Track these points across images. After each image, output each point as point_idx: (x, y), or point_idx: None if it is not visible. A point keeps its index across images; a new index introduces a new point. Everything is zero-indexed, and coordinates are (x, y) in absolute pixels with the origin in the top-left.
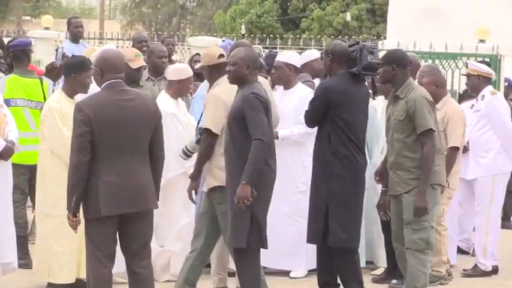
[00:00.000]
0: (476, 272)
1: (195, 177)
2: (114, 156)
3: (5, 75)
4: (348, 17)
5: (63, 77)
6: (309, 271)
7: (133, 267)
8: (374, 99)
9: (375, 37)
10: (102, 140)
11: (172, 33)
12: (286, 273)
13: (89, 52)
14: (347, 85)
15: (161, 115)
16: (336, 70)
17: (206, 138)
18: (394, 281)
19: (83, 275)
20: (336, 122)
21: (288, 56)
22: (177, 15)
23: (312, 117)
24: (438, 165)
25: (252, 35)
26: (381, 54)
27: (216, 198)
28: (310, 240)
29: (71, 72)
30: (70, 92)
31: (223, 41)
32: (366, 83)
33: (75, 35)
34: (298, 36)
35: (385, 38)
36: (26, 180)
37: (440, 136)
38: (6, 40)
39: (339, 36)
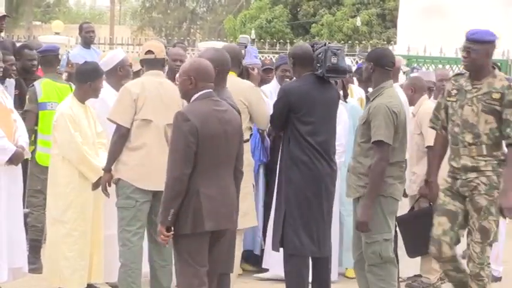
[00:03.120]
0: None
1: (108, 169)
2: (212, 169)
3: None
4: (358, 22)
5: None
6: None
7: (214, 286)
8: (346, 102)
9: (385, 42)
10: (203, 151)
11: (182, 38)
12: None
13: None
14: (309, 88)
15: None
16: (300, 73)
17: (116, 130)
18: None
19: (94, 281)
20: (295, 126)
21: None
22: (187, 21)
23: (275, 120)
24: (391, 176)
25: (262, 40)
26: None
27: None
28: (272, 247)
29: (86, 79)
30: (82, 98)
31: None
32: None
33: (87, 40)
34: (308, 41)
35: (395, 43)
36: None
37: (412, 141)
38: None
39: (349, 42)
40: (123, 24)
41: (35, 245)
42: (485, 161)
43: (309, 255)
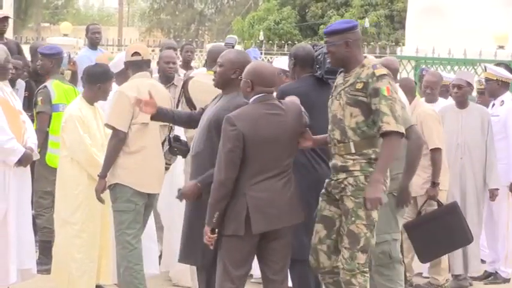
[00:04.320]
0: (499, 280)
1: (104, 175)
2: (262, 172)
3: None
4: (367, 23)
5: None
6: None
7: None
8: None
9: (394, 43)
10: (252, 155)
11: (190, 39)
12: None
13: (101, 59)
14: (308, 89)
15: (304, 125)
16: (299, 74)
17: (113, 135)
18: None
19: (103, 282)
20: None
21: (282, 62)
22: (196, 22)
23: None
24: (401, 173)
25: (270, 42)
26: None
27: (110, 196)
28: None
29: (96, 81)
30: (91, 99)
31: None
32: None
33: (93, 41)
34: (315, 42)
35: (403, 44)
36: None
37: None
38: (24, 47)
39: None
40: (131, 26)
41: (46, 247)
42: (354, 159)
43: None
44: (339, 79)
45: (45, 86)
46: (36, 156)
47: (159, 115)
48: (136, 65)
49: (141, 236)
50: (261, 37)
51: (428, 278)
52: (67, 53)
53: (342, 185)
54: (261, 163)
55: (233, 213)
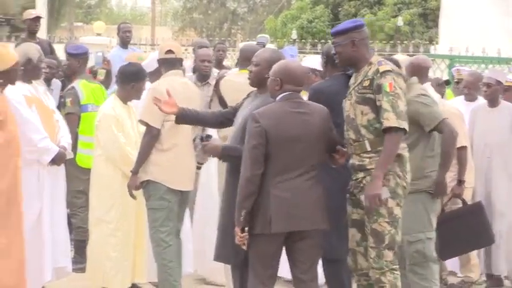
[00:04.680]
0: None
1: (137, 171)
2: (286, 170)
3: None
4: (400, 21)
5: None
6: None
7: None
8: None
9: (427, 42)
10: (276, 153)
11: (223, 39)
12: None
13: (131, 58)
14: (339, 88)
15: (331, 129)
16: (331, 72)
17: (147, 132)
18: None
19: (137, 280)
20: None
21: (312, 61)
22: (228, 21)
23: None
24: (436, 171)
25: (303, 40)
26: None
27: (144, 193)
28: None
29: (129, 80)
30: (125, 98)
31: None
32: None
33: (124, 40)
34: None
35: (437, 42)
36: None
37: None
38: (57, 46)
39: (391, 41)
40: (164, 25)
41: (81, 246)
42: (370, 158)
43: (340, 258)
44: (352, 79)
45: (73, 87)
46: (69, 155)
47: (183, 117)
48: (170, 62)
49: (174, 232)
50: (294, 36)
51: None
52: (101, 52)
53: (361, 184)
54: (285, 161)
55: (259, 211)
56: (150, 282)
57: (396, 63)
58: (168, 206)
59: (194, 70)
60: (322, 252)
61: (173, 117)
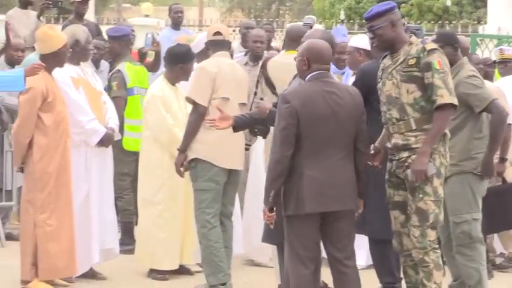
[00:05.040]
0: None
1: (184, 149)
2: (318, 150)
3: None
4: (448, 1)
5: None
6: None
7: (340, 267)
8: None
9: (476, 22)
10: (307, 133)
11: (271, 19)
12: None
13: (180, 40)
14: None
15: (364, 109)
16: (378, 52)
17: (194, 110)
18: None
19: (186, 262)
20: (373, 107)
21: (358, 40)
22: (276, 2)
23: None
24: (482, 152)
25: (351, 21)
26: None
27: (191, 174)
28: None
29: (178, 61)
30: (173, 80)
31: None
32: None
33: (176, 21)
34: None
35: (485, 23)
36: (136, 167)
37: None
38: (104, 28)
39: (439, 22)
40: (212, 6)
41: (128, 228)
42: (415, 136)
43: (386, 238)
44: (386, 61)
45: (119, 70)
46: (117, 137)
47: (238, 125)
48: (217, 44)
49: (225, 215)
50: (342, 16)
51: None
52: (151, 34)
53: (406, 163)
54: (316, 141)
55: (292, 192)
56: (197, 264)
57: (456, 41)
58: (215, 188)
59: (246, 51)
60: (369, 233)
61: (220, 94)
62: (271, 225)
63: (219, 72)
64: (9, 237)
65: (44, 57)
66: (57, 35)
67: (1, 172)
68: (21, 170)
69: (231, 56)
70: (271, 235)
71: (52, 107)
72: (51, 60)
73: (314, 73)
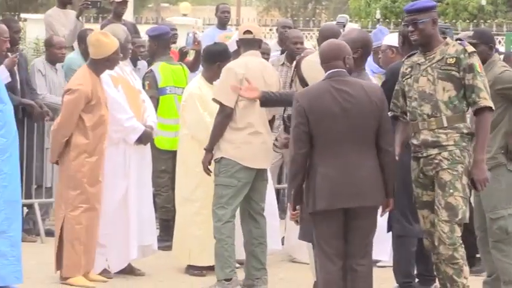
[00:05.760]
0: None
1: (210, 149)
2: (331, 148)
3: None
4: (483, 1)
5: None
6: None
7: (353, 264)
8: None
9: (510, 21)
10: (317, 131)
11: (307, 19)
12: None
13: (221, 38)
14: None
15: (386, 107)
16: (408, 51)
17: (220, 111)
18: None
19: None
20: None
21: (390, 38)
22: (313, 1)
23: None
24: None
25: (387, 20)
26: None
27: (215, 169)
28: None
29: (215, 59)
30: (210, 78)
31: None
32: None
33: (222, 21)
34: None
35: None
36: (174, 165)
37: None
38: (142, 28)
39: (474, 21)
40: (249, 5)
41: (166, 225)
42: (446, 134)
43: (416, 237)
44: (418, 58)
45: (151, 70)
46: (156, 134)
47: (266, 100)
48: (248, 43)
49: (236, 211)
50: (378, 15)
51: None
52: (192, 33)
53: (436, 161)
54: (328, 138)
55: (309, 190)
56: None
57: (493, 40)
58: (237, 185)
59: (283, 50)
60: (392, 229)
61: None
62: (296, 223)
63: (247, 73)
64: (49, 233)
65: (95, 62)
66: (110, 41)
67: (41, 169)
68: (57, 163)
69: (268, 54)
70: (307, 232)
71: (94, 109)
72: (102, 64)
73: (328, 72)
